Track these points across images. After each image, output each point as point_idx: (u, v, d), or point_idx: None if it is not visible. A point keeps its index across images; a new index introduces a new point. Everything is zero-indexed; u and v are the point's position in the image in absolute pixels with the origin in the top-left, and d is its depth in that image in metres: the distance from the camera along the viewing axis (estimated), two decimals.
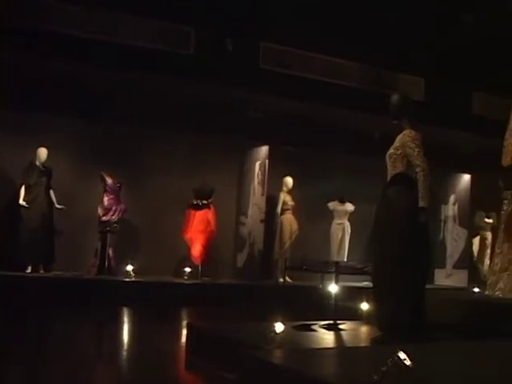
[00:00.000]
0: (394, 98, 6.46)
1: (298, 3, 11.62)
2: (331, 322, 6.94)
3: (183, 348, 6.67)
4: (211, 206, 13.31)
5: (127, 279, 11.89)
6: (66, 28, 10.97)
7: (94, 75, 11.70)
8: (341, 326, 6.92)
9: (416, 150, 6.05)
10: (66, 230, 12.10)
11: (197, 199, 13.25)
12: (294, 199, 14.07)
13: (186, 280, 12.59)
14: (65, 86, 11.64)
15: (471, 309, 7.54)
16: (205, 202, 13.24)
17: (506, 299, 8.21)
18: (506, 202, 8.64)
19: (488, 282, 9.08)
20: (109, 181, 12.46)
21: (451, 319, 6.95)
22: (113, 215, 12.39)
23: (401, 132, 6.30)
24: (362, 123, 13.77)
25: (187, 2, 11.56)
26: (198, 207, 13.24)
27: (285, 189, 14.05)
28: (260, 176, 13.82)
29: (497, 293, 8.58)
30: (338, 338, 6.44)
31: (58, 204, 11.92)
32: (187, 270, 12.81)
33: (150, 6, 11.41)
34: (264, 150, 13.77)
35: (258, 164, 13.95)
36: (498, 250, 8.98)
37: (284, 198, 14.00)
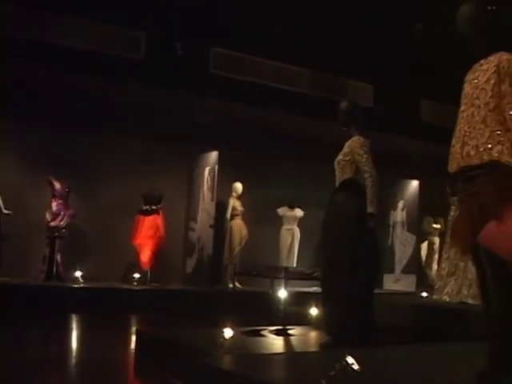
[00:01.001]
0: (343, 104, 6.54)
1: (249, 9, 11.62)
2: (280, 327, 6.95)
3: (132, 354, 6.63)
4: (160, 212, 13.24)
5: (76, 285, 11.77)
6: (12, 30, 10.81)
7: (42, 78, 11.55)
8: (290, 332, 6.94)
9: (364, 156, 6.11)
10: (13, 235, 11.87)
11: (146, 204, 13.18)
12: (243, 205, 14.05)
13: (135, 286, 12.51)
14: (11, 88, 11.45)
15: (419, 313, 7.64)
16: (154, 207, 13.18)
17: (453, 303, 8.34)
18: (452, 207, 8.77)
19: (436, 287, 9.23)
20: (57, 186, 12.31)
21: (400, 323, 7.02)
22: (61, 220, 12.26)
23: (349, 138, 6.37)
24: (311, 129, 13.85)
25: (137, 6, 11.49)
26: (147, 213, 13.17)
27: (234, 194, 14.02)
28: (209, 181, 13.78)
29: (444, 297, 8.72)
30: (287, 343, 6.46)
31: (5, 209, 11.77)
32: (136, 275, 12.73)
33: (99, 9, 11.30)
34: (213, 155, 13.73)
35: (207, 169, 13.91)
36: (445, 255, 9.13)
37: (233, 203, 13.97)
